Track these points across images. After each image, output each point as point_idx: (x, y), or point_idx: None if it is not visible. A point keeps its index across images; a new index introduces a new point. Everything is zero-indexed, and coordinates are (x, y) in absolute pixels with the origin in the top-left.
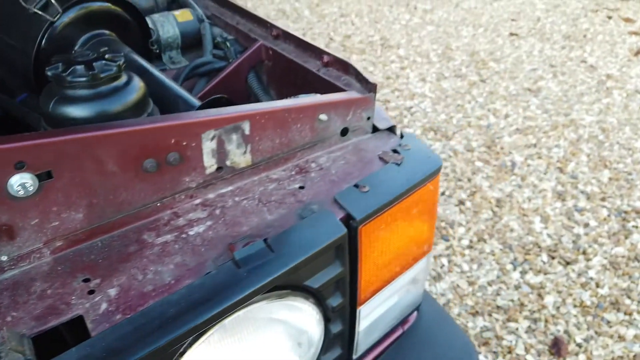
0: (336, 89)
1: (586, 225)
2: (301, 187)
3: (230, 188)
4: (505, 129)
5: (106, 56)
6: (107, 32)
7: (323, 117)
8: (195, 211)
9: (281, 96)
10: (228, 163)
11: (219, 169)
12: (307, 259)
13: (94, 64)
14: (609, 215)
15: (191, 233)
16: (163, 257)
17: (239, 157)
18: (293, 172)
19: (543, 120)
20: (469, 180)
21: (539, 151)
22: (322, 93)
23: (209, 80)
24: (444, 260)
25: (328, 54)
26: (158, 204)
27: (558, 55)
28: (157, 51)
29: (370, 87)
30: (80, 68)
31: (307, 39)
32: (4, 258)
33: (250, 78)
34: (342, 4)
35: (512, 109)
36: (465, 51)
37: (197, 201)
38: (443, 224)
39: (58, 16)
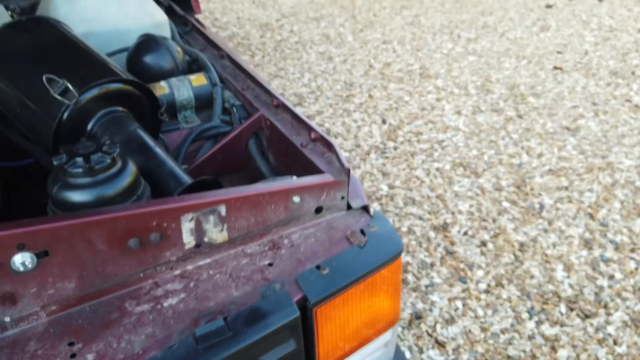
0: (314, 169)
1: (611, 277)
2: (270, 264)
3: (207, 260)
4: (538, 169)
5: (103, 148)
6: (119, 108)
7: (296, 199)
8: (173, 282)
9: (277, 161)
10: (206, 239)
11: (197, 245)
12: (261, 338)
13: (92, 156)
14: (636, 268)
15: (165, 304)
16: (138, 326)
17: (216, 234)
18: (266, 248)
19: (578, 161)
20: (494, 221)
21: (570, 195)
22: (304, 168)
23: (215, 142)
24: (459, 304)
25: (315, 131)
26: (141, 275)
27: (602, 93)
28: (167, 119)
29: (345, 171)
30: (79, 160)
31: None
32: (7, 319)
33: (251, 144)
34: (386, 30)
35: (547, 148)
36: (505, 84)
37: (177, 272)
38: (462, 265)
39: (74, 100)
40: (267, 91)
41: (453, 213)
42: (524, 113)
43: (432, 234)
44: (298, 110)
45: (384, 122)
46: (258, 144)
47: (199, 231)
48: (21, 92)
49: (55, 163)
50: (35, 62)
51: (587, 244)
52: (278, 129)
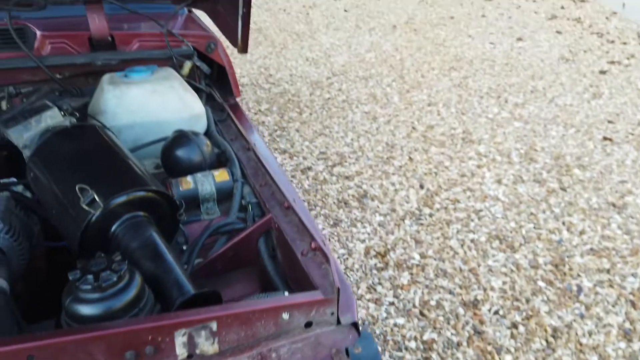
0: (308, 282)
1: None
2: None
3: None
4: (578, 247)
5: (113, 265)
6: (141, 213)
7: (286, 316)
8: None
9: (283, 261)
10: (197, 351)
11: (189, 356)
12: None
13: (101, 274)
14: None
15: None
16: None
17: (208, 347)
18: None
19: (623, 242)
20: (527, 301)
21: (612, 278)
22: (300, 277)
23: (229, 238)
24: None
25: (316, 240)
26: None
27: None
28: (185, 219)
29: (335, 289)
30: (90, 278)
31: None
32: None
33: (260, 243)
34: (432, 92)
35: (590, 225)
36: (550, 153)
37: None
38: (490, 348)
39: (99, 210)
40: (280, 191)
41: (485, 289)
42: (567, 186)
43: (461, 310)
44: (306, 214)
45: (421, 187)
46: (268, 242)
47: (191, 344)
48: (59, 194)
49: (70, 278)
50: (73, 169)
51: (627, 336)
52: (283, 234)
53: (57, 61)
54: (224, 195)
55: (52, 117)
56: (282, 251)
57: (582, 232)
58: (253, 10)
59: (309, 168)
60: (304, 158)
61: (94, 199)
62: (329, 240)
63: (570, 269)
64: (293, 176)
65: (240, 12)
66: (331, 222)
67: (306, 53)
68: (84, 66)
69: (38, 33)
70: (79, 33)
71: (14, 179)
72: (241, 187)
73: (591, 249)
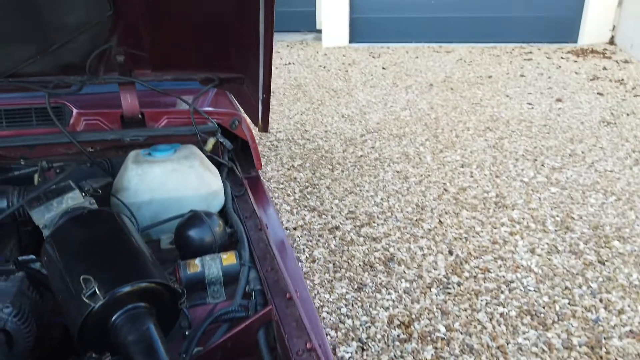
0: None
1: None
2: None
3: None
4: (617, 328)
5: None
6: (142, 304)
7: None
8: None
9: (282, 356)
10: None
11: None
12: None
13: None
14: None
15: None
16: None
17: None
18: None
19: None
20: None
21: None
22: None
23: (230, 327)
24: None
25: (311, 341)
26: None
27: None
28: (187, 306)
29: None
30: None
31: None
32: None
33: (260, 335)
34: (466, 153)
35: (630, 303)
36: (589, 223)
37: None
38: None
39: (99, 303)
40: (284, 283)
41: None
42: (606, 259)
43: None
44: (309, 306)
45: (450, 253)
46: (269, 333)
47: None
48: (66, 281)
49: None
50: (82, 257)
51: None
52: (281, 329)
53: (90, 137)
54: (230, 279)
55: (73, 199)
56: (280, 345)
57: (621, 312)
58: (294, 67)
59: (337, 227)
60: (333, 217)
61: (95, 291)
62: (352, 305)
63: (607, 353)
64: (320, 235)
65: (261, 98)
66: (355, 286)
67: (342, 110)
68: (114, 141)
69: (74, 111)
70: (111, 111)
71: (33, 256)
72: (247, 272)
73: (631, 331)
